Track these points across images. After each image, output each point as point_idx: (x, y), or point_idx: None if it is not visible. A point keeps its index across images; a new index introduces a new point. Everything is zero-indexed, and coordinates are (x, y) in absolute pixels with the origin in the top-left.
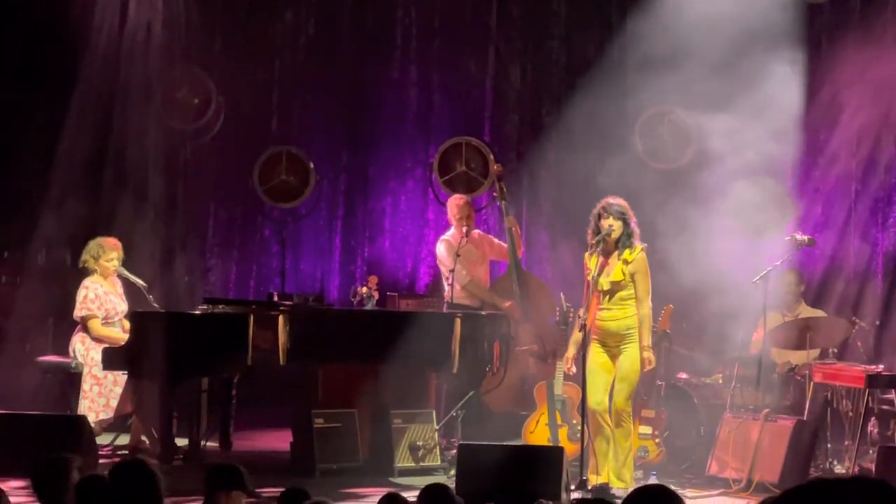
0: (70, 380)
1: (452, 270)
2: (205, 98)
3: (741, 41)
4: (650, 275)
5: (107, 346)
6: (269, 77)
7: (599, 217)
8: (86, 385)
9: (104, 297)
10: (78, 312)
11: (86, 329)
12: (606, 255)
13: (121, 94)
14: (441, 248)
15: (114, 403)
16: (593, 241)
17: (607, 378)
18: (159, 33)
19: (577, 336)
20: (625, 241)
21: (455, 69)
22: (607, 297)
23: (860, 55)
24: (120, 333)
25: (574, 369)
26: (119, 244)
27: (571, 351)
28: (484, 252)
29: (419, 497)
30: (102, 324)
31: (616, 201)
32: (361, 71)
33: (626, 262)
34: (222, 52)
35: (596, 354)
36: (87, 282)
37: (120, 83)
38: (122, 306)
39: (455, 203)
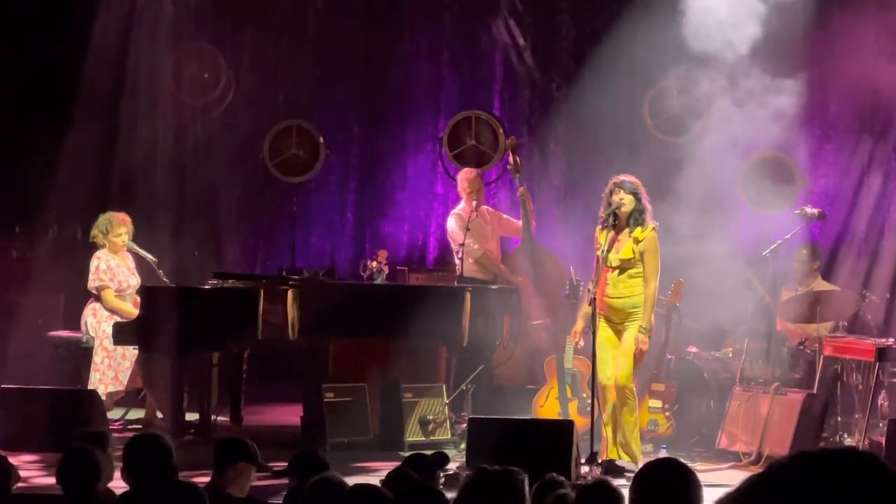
0: (82, 354)
1: (462, 244)
2: (215, 73)
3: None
4: (660, 255)
5: (118, 320)
6: (279, 51)
7: (611, 193)
8: (97, 358)
9: (116, 270)
10: (91, 283)
11: (98, 300)
12: (618, 231)
13: (131, 69)
14: (451, 222)
15: (122, 377)
16: (604, 215)
17: (615, 353)
18: (169, 9)
19: (585, 309)
20: (637, 217)
21: (464, 42)
22: (616, 273)
23: (869, 25)
24: (131, 307)
25: (582, 343)
26: (128, 219)
27: (580, 324)
28: (493, 228)
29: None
30: (115, 296)
31: (629, 178)
32: (371, 45)
33: (636, 241)
34: (232, 27)
35: (602, 329)
36: (99, 253)
37: (131, 58)
38: (134, 280)
39: (465, 177)
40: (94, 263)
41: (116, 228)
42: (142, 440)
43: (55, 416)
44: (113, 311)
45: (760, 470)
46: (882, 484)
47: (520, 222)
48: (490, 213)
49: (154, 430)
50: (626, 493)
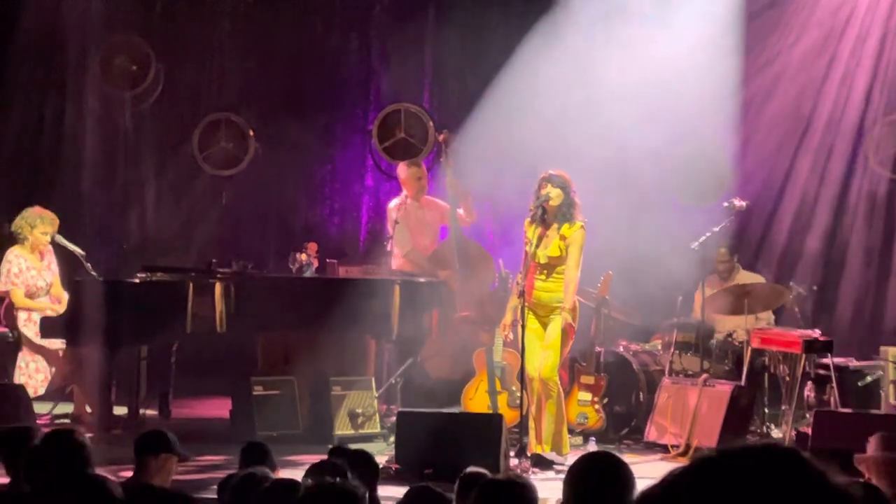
0: (8, 349)
1: (391, 238)
2: (143, 65)
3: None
4: (582, 251)
5: (35, 321)
6: (209, 44)
7: (540, 187)
8: (21, 362)
9: (26, 273)
10: (1, 287)
11: (10, 302)
12: (546, 225)
13: (58, 60)
14: (388, 215)
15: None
16: (532, 208)
17: (542, 345)
18: (98, 1)
19: (514, 302)
20: (565, 211)
21: (394, 36)
22: (544, 270)
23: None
24: (46, 303)
25: (511, 336)
26: (56, 220)
27: (508, 317)
28: (433, 217)
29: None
30: (25, 296)
31: (558, 172)
32: (301, 38)
33: (563, 238)
34: (161, 19)
35: (531, 322)
36: (10, 255)
37: (57, 49)
38: (45, 280)
39: (401, 169)
40: (4, 267)
41: (43, 225)
42: (56, 436)
43: None
44: (29, 310)
45: (688, 462)
46: (802, 479)
47: (460, 211)
48: (430, 203)
49: (69, 426)
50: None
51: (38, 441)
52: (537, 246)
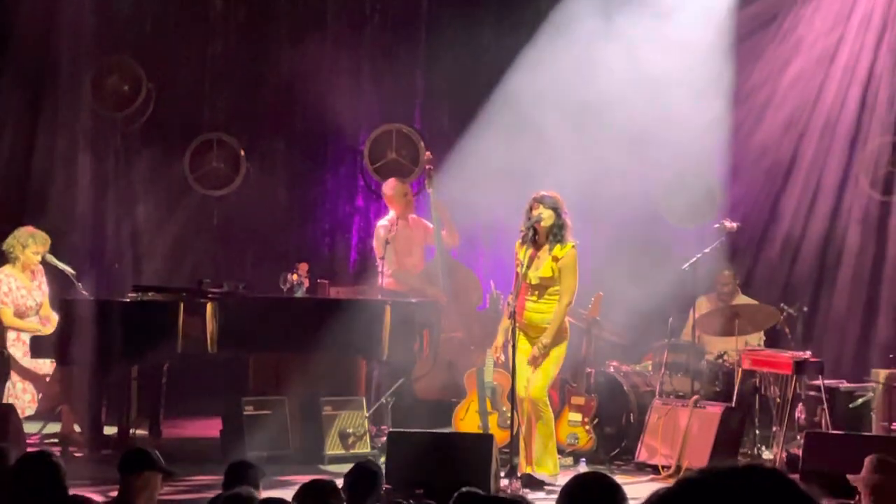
0: None
1: (382, 258)
2: (135, 85)
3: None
4: (577, 274)
5: (24, 341)
6: (201, 64)
7: (531, 208)
8: (9, 383)
9: (16, 293)
10: None
11: None
12: (537, 247)
13: (50, 80)
14: (376, 234)
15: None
16: (524, 229)
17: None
18: (89, 20)
19: (505, 323)
20: (556, 233)
21: (386, 57)
22: (536, 291)
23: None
24: (32, 324)
25: (502, 357)
26: (48, 239)
27: (500, 339)
28: (420, 237)
29: (347, 476)
30: (14, 315)
31: (550, 193)
32: (293, 58)
33: (555, 259)
34: (153, 40)
35: (521, 343)
36: (0, 274)
37: (49, 69)
38: (34, 300)
39: (388, 186)
40: None
41: (35, 246)
42: (31, 458)
43: None
44: (18, 329)
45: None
46: (786, 500)
47: (444, 233)
48: (416, 221)
49: (43, 449)
50: None
51: (11, 462)
52: (528, 267)
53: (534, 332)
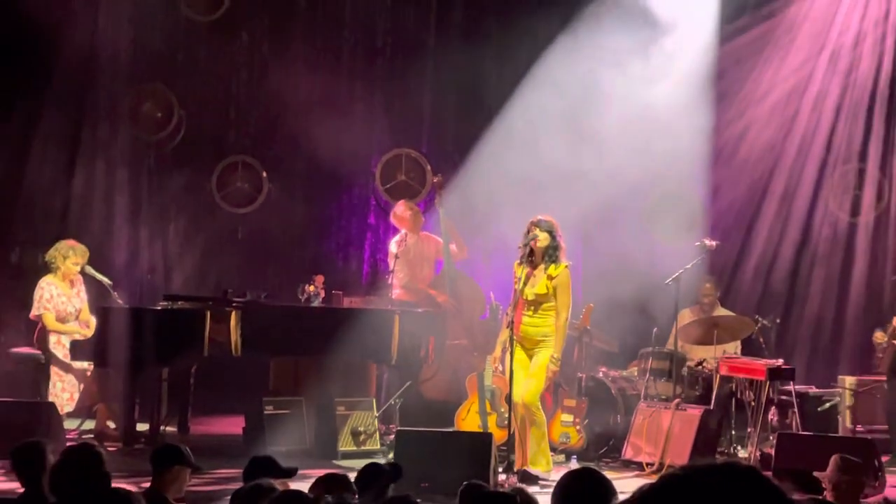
0: (41, 369)
1: (392, 271)
2: (167, 111)
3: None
4: (571, 291)
5: (64, 344)
6: (227, 93)
7: (528, 231)
8: (50, 383)
9: (57, 299)
10: (34, 311)
11: (43, 326)
12: (533, 266)
13: (90, 107)
14: (389, 251)
15: (75, 396)
16: (521, 247)
17: (526, 374)
18: (126, 53)
19: (504, 335)
20: (551, 254)
21: (395, 86)
22: (531, 307)
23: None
24: (76, 327)
25: (501, 368)
26: (87, 251)
27: (498, 351)
28: (431, 251)
29: (358, 474)
30: (56, 320)
31: (545, 217)
32: (311, 88)
33: (550, 277)
34: (184, 71)
35: (518, 352)
36: (43, 283)
37: (89, 96)
38: (74, 306)
39: (400, 206)
40: (37, 293)
41: (75, 257)
42: (73, 452)
43: (16, 427)
44: (59, 333)
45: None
46: (760, 495)
47: (453, 246)
48: (428, 238)
49: (86, 441)
50: (541, 499)
51: (52, 454)
52: (525, 284)
53: (529, 344)
